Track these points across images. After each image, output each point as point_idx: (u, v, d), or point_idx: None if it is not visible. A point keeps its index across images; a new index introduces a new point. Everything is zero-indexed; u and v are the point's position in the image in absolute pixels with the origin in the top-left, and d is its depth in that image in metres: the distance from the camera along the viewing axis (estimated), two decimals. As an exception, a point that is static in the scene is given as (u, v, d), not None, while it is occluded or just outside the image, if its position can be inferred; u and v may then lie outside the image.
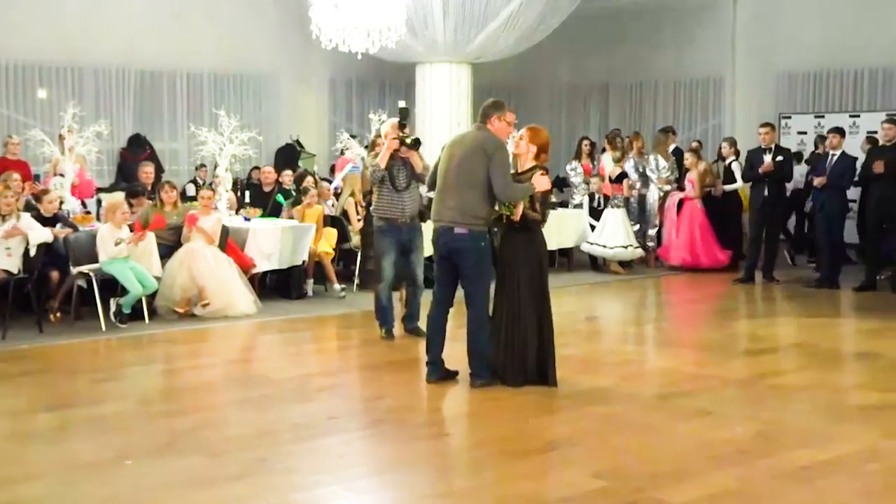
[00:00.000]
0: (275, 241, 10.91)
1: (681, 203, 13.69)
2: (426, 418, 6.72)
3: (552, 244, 12.90)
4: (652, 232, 13.96)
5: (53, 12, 14.01)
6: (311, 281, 11.38)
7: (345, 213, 12.06)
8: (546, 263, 7.44)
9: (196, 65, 15.56)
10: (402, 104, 8.88)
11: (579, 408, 6.82)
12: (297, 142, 15.97)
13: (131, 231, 9.71)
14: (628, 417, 6.63)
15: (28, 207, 9.85)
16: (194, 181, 13.58)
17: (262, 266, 10.83)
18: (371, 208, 9.06)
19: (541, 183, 7.07)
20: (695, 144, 14.62)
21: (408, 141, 8.39)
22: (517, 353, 7.14)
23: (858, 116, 15.15)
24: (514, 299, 7.15)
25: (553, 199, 9.00)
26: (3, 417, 6.75)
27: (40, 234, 9.19)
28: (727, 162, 13.77)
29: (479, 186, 6.97)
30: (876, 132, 13.17)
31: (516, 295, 7.15)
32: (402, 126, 8.48)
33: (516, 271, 7.17)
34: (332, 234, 11.53)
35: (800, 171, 13.84)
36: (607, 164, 13.34)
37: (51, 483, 5.38)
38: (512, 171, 7.23)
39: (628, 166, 13.64)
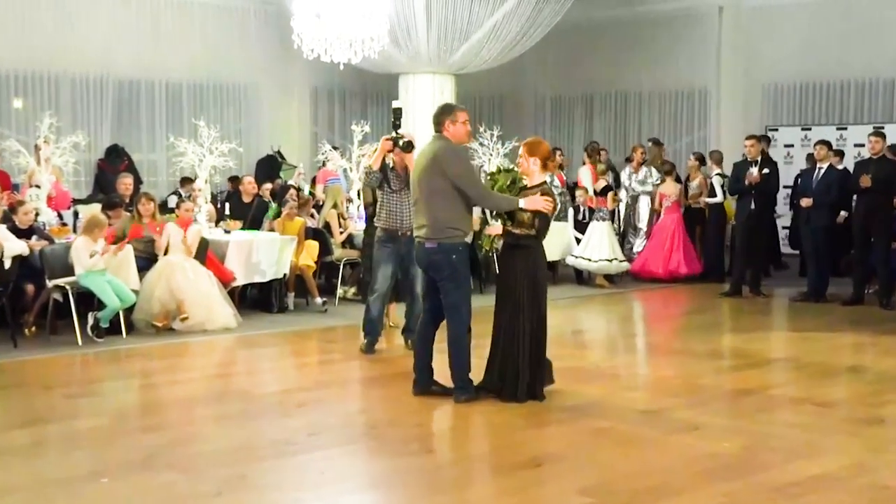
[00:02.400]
0: (255, 254, 10.89)
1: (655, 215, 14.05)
2: (410, 433, 6.67)
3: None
4: (640, 245, 14.03)
5: (28, 20, 13.96)
6: (292, 294, 11.38)
7: (327, 225, 12.04)
8: (542, 279, 7.38)
9: (175, 74, 15.52)
10: (396, 104, 8.78)
11: (566, 422, 6.82)
12: (279, 153, 15.94)
13: (109, 244, 9.68)
14: (615, 432, 6.61)
15: (4, 219, 9.78)
16: (178, 193, 13.54)
17: (242, 279, 10.81)
18: (374, 218, 9.11)
19: (532, 202, 7.06)
20: (697, 154, 14.65)
21: (401, 143, 8.34)
22: (511, 369, 7.14)
23: (846, 129, 15.23)
24: (510, 315, 7.16)
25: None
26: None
27: (15, 247, 9.13)
28: (711, 175, 13.88)
29: (447, 198, 6.98)
30: (863, 145, 13.27)
31: (512, 311, 7.16)
32: (395, 126, 8.42)
33: (513, 287, 7.17)
34: (313, 246, 11.52)
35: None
36: (584, 176, 13.43)
37: (23, 500, 5.32)
38: (522, 185, 7.29)
39: (625, 178, 13.80)
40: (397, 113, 8.54)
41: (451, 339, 7.14)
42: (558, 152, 14.23)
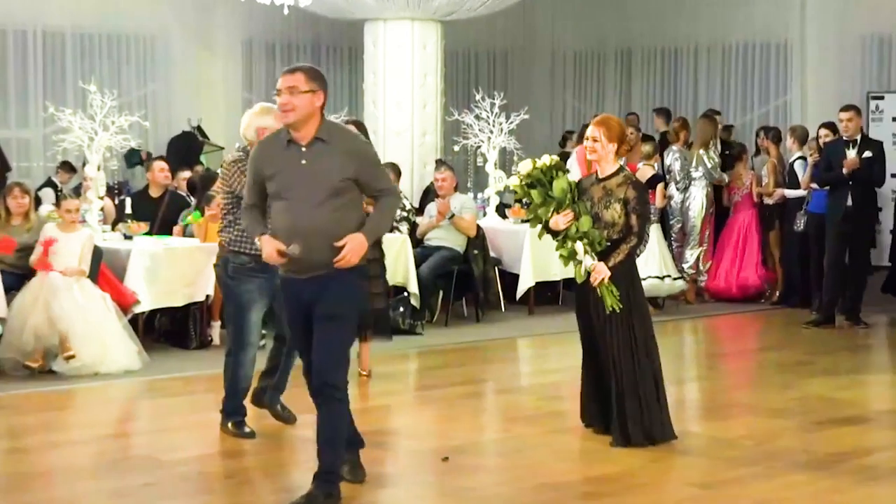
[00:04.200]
0: (167, 269, 10.88)
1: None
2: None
3: (553, 273, 13.05)
4: (692, 255, 14.04)
5: None
6: (217, 324, 11.36)
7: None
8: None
9: (54, 20, 15.50)
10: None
11: (592, 500, 6.81)
12: (199, 129, 15.94)
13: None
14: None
15: None
16: (52, 184, 13.49)
17: (148, 304, 10.83)
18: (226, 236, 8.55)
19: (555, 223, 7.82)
20: (772, 131, 14.76)
21: None
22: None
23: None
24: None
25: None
26: None
27: None
28: (792, 159, 13.91)
29: None
30: None
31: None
32: None
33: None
34: (247, 257, 11.50)
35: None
36: (573, 162, 13.41)
37: None
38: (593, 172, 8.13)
39: (671, 162, 13.85)
40: None
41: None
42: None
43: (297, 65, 6.30)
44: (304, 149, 6.07)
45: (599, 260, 7.76)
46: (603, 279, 7.73)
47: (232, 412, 8.08)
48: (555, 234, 7.97)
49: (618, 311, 7.79)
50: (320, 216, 6.05)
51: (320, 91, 6.08)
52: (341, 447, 6.42)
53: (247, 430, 8.04)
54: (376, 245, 9.30)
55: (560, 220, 7.83)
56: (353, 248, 5.99)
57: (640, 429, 7.86)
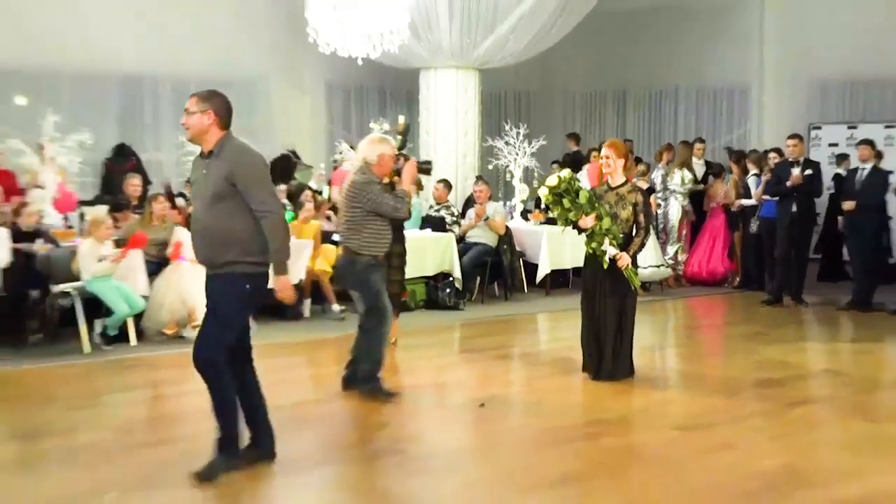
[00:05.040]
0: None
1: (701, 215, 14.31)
2: (434, 450, 6.67)
3: (565, 262, 13.03)
4: (671, 250, 14.04)
5: (28, 15, 14.06)
6: (308, 301, 11.40)
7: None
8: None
9: (181, 70, 15.54)
10: (402, 119, 8.73)
11: (595, 438, 6.80)
12: (293, 153, 15.98)
13: (117, 247, 9.71)
14: (648, 450, 6.61)
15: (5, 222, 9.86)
16: (182, 195, 13.59)
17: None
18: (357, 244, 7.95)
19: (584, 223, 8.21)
20: (734, 153, 14.75)
21: (422, 165, 8.25)
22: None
23: (894, 127, 15.09)
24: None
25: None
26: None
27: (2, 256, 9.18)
28: (749, 176, 13.84)
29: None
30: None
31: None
32: (403, 143, 8.29)
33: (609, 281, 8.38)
34: (330, 251, 11.49)
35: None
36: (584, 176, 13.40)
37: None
38: (604, 183, 8.56)
39: (673, 180, 13.85)
40: (405, 129, 8.43)
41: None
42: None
43: (196, 92, 5.85)
44: (205, 160, 5.77)
45: (619, 251, 8.20)
46: (627, 264, 8.16)
47: (373, 377, 7.85)
48: (582, 230, 8.31)
49: (638, 288, 8.45)
50: (206, 218, 5.73)
51: (210, 111, 5.70)
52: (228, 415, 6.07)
53: (386, 389, 7.85)
54: (400, 241, 9.28)
55: (588, 221, 8.19)
56: (281, 290, 5.83)
57: (619, 370, 8.42)
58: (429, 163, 8.54)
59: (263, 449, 6.13)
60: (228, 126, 5.84)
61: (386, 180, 7.85)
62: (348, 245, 7.75)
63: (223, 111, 5.77)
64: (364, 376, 7.84)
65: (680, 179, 14.06)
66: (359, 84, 17.20)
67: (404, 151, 8.21)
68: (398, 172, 7.92)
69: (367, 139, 8.01)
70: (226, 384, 6.01)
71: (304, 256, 11.11)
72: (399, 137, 8.30)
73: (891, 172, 12.34)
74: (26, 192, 11.02)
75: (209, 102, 5.72)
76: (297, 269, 11.03)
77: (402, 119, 8.61)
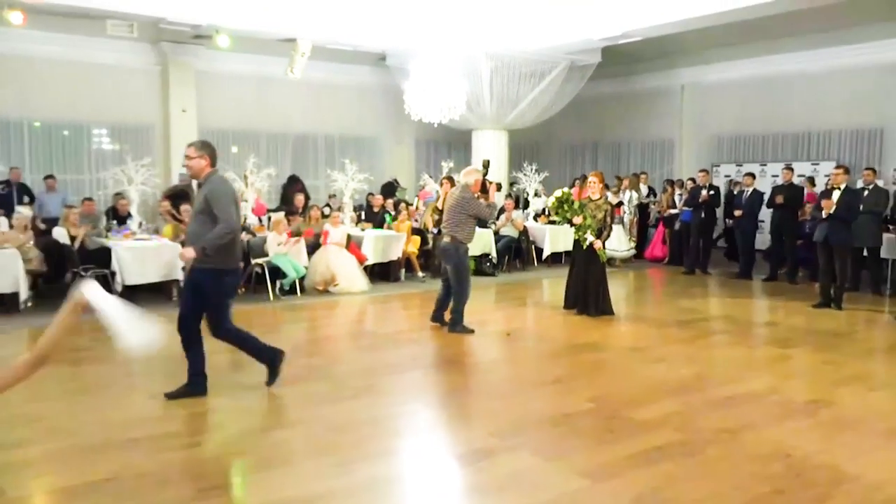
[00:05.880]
0: (380, 244, 10.96)
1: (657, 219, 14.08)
2: (476, 361, 6.68)
3: (560, 247, 12.88)
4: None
5: (236, 95, 14.20)
6: (403, 270, 11.41)
7: (425, 226, 12.07)
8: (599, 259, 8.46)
9: (330, 130, 15.66)
10: (485, 159, 8.56)
11: (576, 355, 6.74)
12: (395, 181, 15.99)
13: (289, 237, 9.83)
14: (609, 362, 6.54)
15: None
16: (328, 206, 13.69)
17: (371, 260, 10.88)
18: (461, 235, 7.55)
19: (576, 220, 8.30)
20: (668, 181, 14.47)
21: (495, 185, 8.07)
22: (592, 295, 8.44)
23: (766, 165, 14.74)
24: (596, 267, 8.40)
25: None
26: (210, 354, 6.84)
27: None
28: (677, 195, 13.60)
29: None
30: (777, 175, 12.91)
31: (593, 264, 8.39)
32: (485, 172, 7.89)
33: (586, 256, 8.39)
34: (416, 240, 11.55)
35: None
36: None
37: (230, 399, 5.39)
38: (587, 197, 8.46)
39: (625, 197, 13.69)
40: (487, 163, 8.25)
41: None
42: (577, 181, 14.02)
43: (193, 141, 5.28)
44: (199, 188, 5.18)
45: (596, 238, 8.28)
46: (600, 247, 8.21)
47: (460, 321, 7.56)
48: (573, 225, 8.37)
49: (605, 261, 8.48)
50: (193, 225, 5.14)
51: (205, 156, 5.09)
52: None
53: (469, 327, 7.55)
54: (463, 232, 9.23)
55: (578, 220, 8.26)
56: (184, 253, 5.07)
57: (596, 308, 8.43)
58: (488, 162, 8.16)
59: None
60: (215, 164, 5.19)
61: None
62: (455, 236, 7.42)
63: (213, 155, 5.17)
64: (453, 321, 7.57)
65: (629, 198, 13.84)
66: (435, 139, 17.10)
67: (488, 177, 7.95)
68: (484, 190, 7.73)
69: (465, 171, 7.74)
70: (244, 337, 5.47)
71: (401, 243, 11.12)
72: (483, 169, 7.97)
73: (763, 193, 12.01)
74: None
75: (205, 150, 5.14)
76: (396, 251, 11.07)
77: (486, 160, 8.45)
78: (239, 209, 5.28)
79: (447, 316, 7.73)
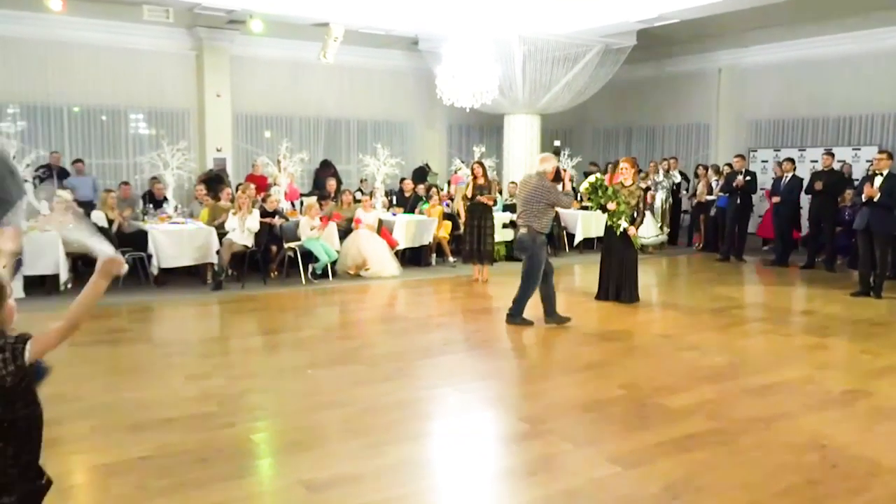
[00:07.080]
0: (412, 229, 10.97)
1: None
2: (508, 346, 6.66)
3: (591, 233, 12.79)
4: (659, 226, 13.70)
5: (269, 80, 14.26)
6: (434, 255, 11.42)
7: (457, 211, 12.05)
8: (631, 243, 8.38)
9: (362, 115, 15.67)
10: (557, 143, 8.50)
11: (608, 341, 6.69)
12: (427, 165, 15.98)
13: (323, 222, 9.88)
14: (641, 348, 6.48)
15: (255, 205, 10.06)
16: (360, 190, 13.74)
17: (403, 245, 10.90)
18: (538, 226, 7.13)
19: (610, 206, 8.20)
20: (703, 166, 14.24)
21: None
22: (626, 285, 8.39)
23: (804, 150, 14.42)
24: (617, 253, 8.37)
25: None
26: (238, 338, 6.94)
27: (252, 226, 9.34)
28: (712, 181, 13.38)
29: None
30: (817, 161, 12.64)
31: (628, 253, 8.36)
32: (558, 156, 7.74)
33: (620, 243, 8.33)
34: (448, 225, 11.54)
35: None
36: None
37: (264, 380, 5.49)
38: (619, 182, 8.35)
39: (658, 181, 13.51)
40: (558, 150, 7.99)
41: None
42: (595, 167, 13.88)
43: None
44: None
45: (630, 224, 8.22)
46: (634, 233, 8.18)
47: (520, 312, 7.21)
48: (606, 211, 8.25)
49: (638, 248, 8.44)
50: None
51: None
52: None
53: (529, 319, 7.19)
54: (489, 219, 9.58)
55: (611, 205, 8.15)
56: None
57: (630, 296, 8.36)
58: (559, 148, 8.06)
59: None
60: None
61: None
62: (531, 226, 6.99)
63: None
64: (513, 311, 7.22)
65: (665, 183, 13.63)
66: (467, 124, 17.05)
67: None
68: (558, 177, 7.41)
69: (540, 157, 7.35)
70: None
71: (432, 228, 11.12)
72: (555, 154, 7.68)
73: (802, 179, 11.76)
74: (270, 188, 11.26)
75: None
76: (427, 236, 11.08)
77: (556, 146, 8.30)
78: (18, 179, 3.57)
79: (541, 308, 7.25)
